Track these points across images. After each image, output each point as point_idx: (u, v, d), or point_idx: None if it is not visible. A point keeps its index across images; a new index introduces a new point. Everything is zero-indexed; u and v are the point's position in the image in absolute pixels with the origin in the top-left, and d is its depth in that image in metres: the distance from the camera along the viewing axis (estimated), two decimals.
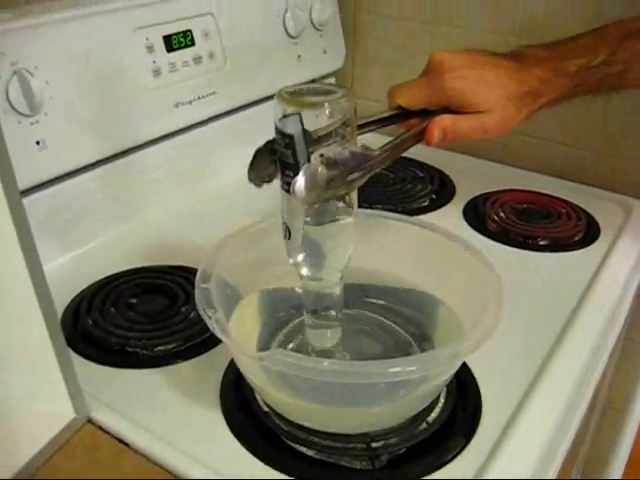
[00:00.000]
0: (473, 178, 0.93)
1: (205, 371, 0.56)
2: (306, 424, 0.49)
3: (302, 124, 0.44)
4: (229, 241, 0.56)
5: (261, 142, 0.50)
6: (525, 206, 0.85)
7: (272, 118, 0.46)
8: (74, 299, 0.65)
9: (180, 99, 0.80)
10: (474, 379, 0.56)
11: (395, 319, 0.59)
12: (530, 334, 0.63)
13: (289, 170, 0.46)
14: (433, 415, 0.52)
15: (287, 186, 0.46)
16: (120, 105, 0.73)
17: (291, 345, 0.57)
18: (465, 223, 0.82)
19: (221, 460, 0.48)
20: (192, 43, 0.81)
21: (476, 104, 0.60)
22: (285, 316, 0.59)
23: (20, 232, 0.42)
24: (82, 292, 0.66)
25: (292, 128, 0.45)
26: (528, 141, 0.96)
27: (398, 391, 0.49)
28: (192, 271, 0.63)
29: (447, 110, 0.61)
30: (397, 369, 0.43)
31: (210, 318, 0.47)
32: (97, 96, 0.71)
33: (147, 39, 0.75)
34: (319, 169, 0.45)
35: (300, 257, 0.50)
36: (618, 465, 1.02)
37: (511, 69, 0.62)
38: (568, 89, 0.63)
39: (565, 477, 0.74)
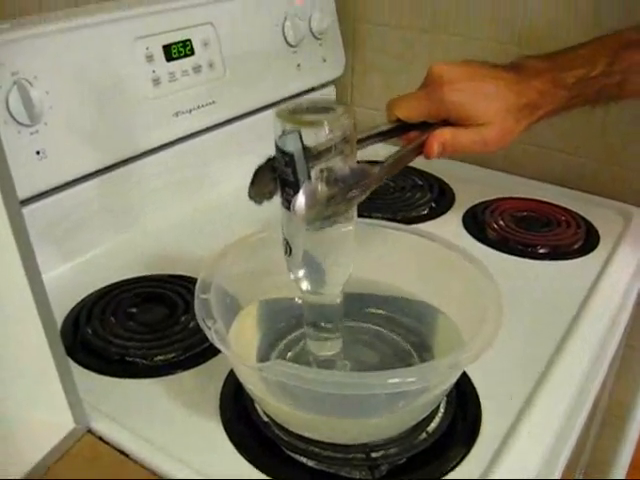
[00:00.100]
0: (472, 186, 0.93)
1: (205, 381, 0.56)
2: (306, 434, 0.49)
3: (302, 142, 0.44)
4: (229, 251, 0.56)
5: (261, 151, 0.50)
6: (525, 214, 0.85)
7: (271, 127, 0.46)
8: (74, 308, 0.65)
9: (180, 108, 0.80)
10: (474, 388, 0.55)
11: (395, 329, 0.59)
12: (530, 343, 0.63)
13: (289, 188, 0.46)
14: (433, 425, 0.52)
15: (287, 203, 0.46)
16: (120, 114, 0.73)
17: (290, 354, 0.57)
18: (464, 231, 0.82)
19: (221, 470, 0.48)
20: (192, 52, 0.81)
21: (475, 116, 0.60)
22: (285, 326, 0.59)
23: (19, 241, 0.42)
24: (82, 301, 0.66)
25: (292, 146, 0.44)
26: (528, 149, 0.96)
27: (398, 402, 0.49)
28: (192, 280, 0.62)
29: (446, 123, 0.61)
30: (397, 380, 0.43)
31: (209, 329, 0.46)
32: (97, 106, 0.71)
33: (147, 49, 0.76)
34: (319, 187, 0.45)
35: (301, 273, 0.50)
36: (619, 473, 1.02)
37: (510, 81, 0.61)
38: (566, 100, 0.63)
39: None
